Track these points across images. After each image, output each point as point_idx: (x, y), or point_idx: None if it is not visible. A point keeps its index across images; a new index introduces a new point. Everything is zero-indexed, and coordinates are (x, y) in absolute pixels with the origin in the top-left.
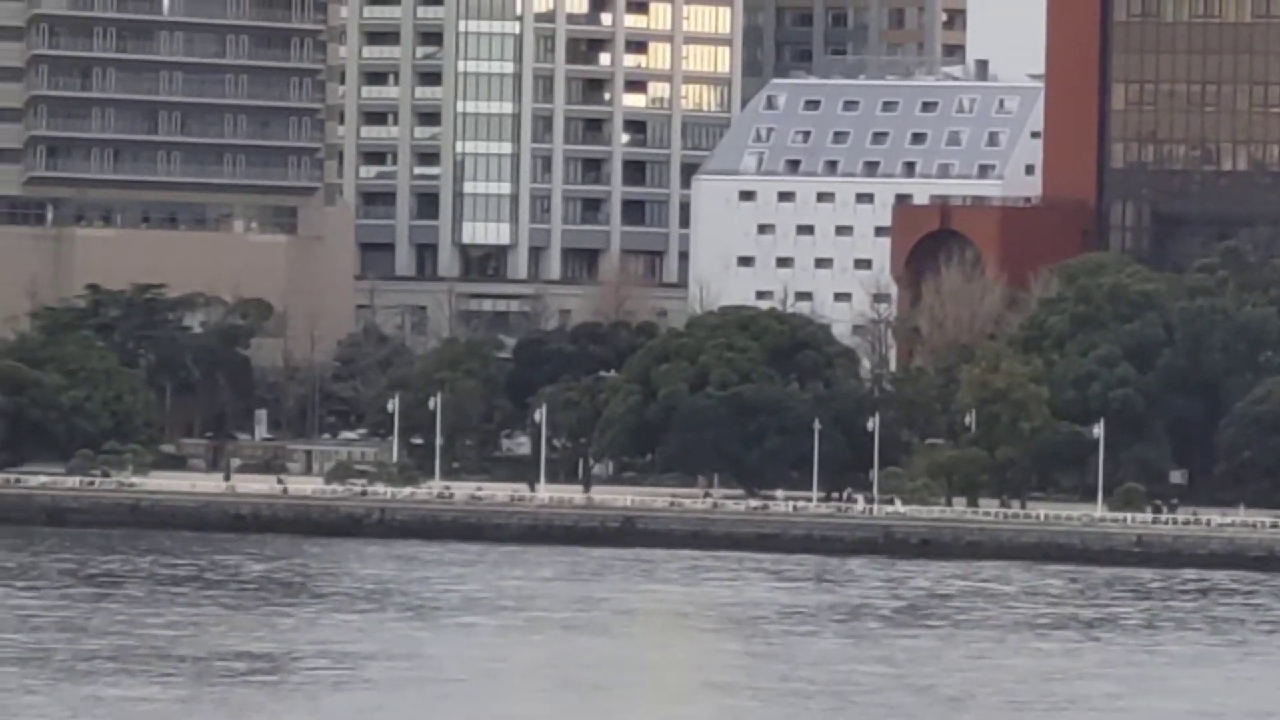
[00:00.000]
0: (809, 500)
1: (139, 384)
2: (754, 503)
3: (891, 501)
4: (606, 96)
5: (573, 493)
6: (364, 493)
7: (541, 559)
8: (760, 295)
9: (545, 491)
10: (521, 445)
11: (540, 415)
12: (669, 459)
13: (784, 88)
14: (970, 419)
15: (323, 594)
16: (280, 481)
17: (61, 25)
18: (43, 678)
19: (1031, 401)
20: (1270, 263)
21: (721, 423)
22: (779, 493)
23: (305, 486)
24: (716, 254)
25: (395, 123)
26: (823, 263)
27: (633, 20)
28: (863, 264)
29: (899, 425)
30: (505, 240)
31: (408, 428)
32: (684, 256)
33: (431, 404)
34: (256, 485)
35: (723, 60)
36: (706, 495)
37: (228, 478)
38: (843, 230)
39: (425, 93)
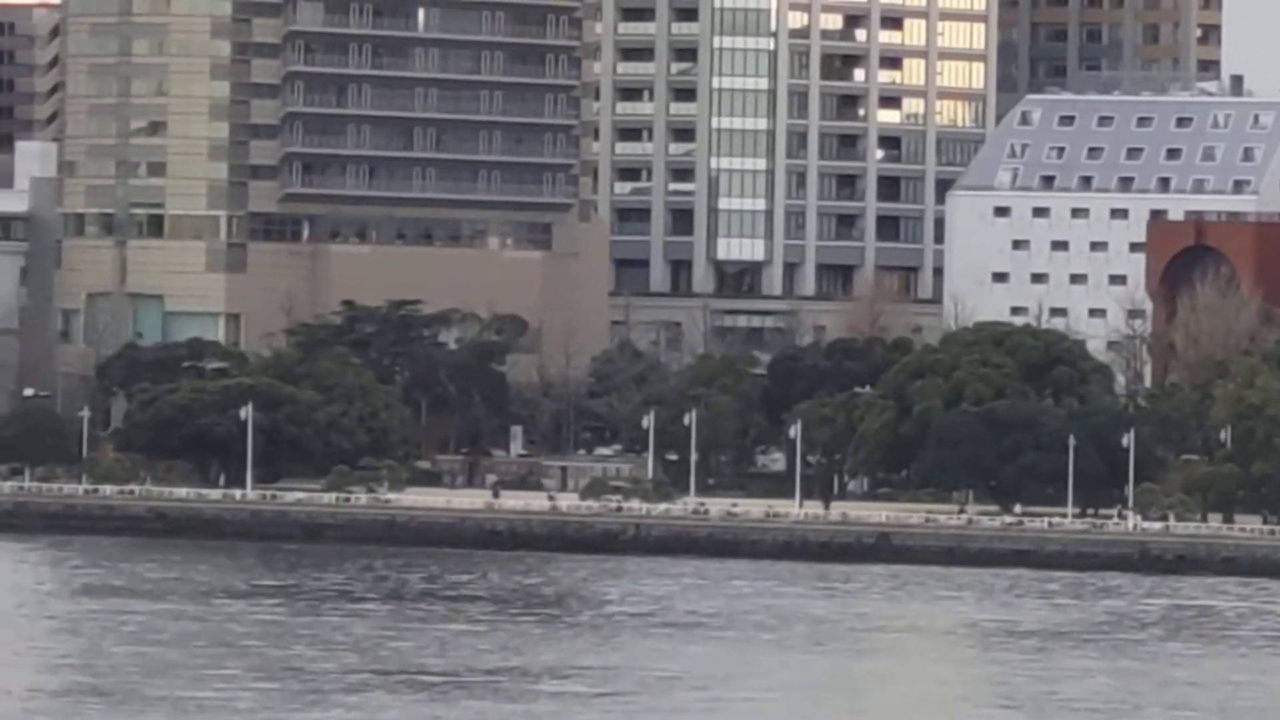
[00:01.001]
0: (1064, 516)
1: (394, 400)
2: (1009, 519)
3: (1165, 518)
4: (861, 112)
5: (828, 508)
6: (619, 509)
7: (795, 575)
8: (1015, 311)
9: (799, 508)
10: (776, 461)
11: (795, 431)
12: (923, 475)
13: (1038, 103)
14: (1225, 435)
15: (579, 610)
16: (551, 498)
17: (317, 42)
18: (298, 696)
19: None
20: None
21: (976, 439)
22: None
23: (560, 503)
24: (971, 270)
25: (650, 139)
26: (1077, 278)
27: (887, 36)
28: (1117, 280)
29: (1154, 441)
30: (760, 256)
31: (663, 444)
32: (938, 272)
33: (686, 420)
34: (519, 502)
35: (977, 76)
36: (961, 511)
37: (496, 495)
38: (1097, 246)
39: (680, 109)
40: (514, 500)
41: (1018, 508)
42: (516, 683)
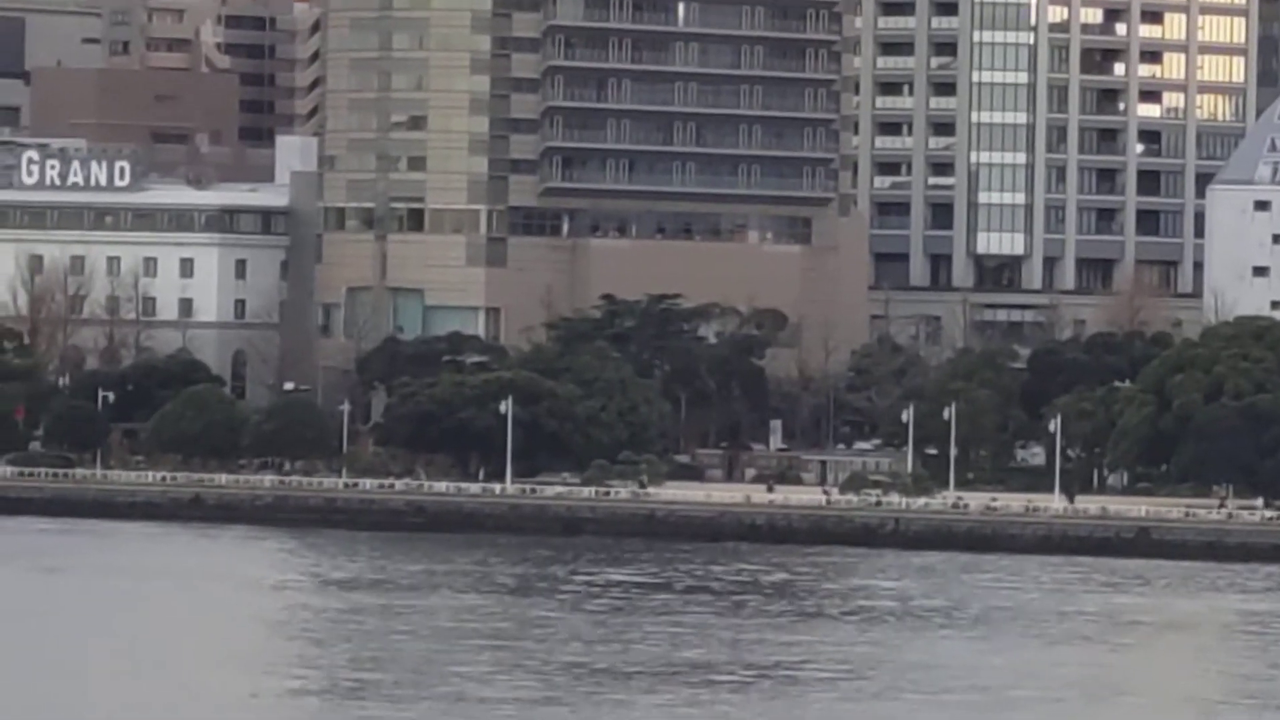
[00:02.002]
0: None
1: (654, 394)
2: (1270, 513)
3: None
4: (1121, 107)
5: (1088, 503)
6: (878, 503)
7: (1054, 569)
8: (1275, 305)
9: (1058, 502)
10: (1036, 455)
11: (1055, 425)
12: (1183, 469)
13: None
14: None
15: (838, 604)
16: (825, 492)
17: (577, 37)
18: (574, 690)
19: None
20: None
21: (1236, 433)
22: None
23: (818, 497)
24: (1231, 264)
25: (909, 133)
26: None
27: (1147, 30)
28: None
29: None
30: (1020, 250)
31: (922, 438)
32: (1198, 266)
33: (946, 414)
34: (792, 496)
35: (1238, 70)
36: (1221, 505)
37: (770, 489)
38: None
39: (940, 103)
40: (788, 494)
41: (1278, 502)
42: (779, 677)
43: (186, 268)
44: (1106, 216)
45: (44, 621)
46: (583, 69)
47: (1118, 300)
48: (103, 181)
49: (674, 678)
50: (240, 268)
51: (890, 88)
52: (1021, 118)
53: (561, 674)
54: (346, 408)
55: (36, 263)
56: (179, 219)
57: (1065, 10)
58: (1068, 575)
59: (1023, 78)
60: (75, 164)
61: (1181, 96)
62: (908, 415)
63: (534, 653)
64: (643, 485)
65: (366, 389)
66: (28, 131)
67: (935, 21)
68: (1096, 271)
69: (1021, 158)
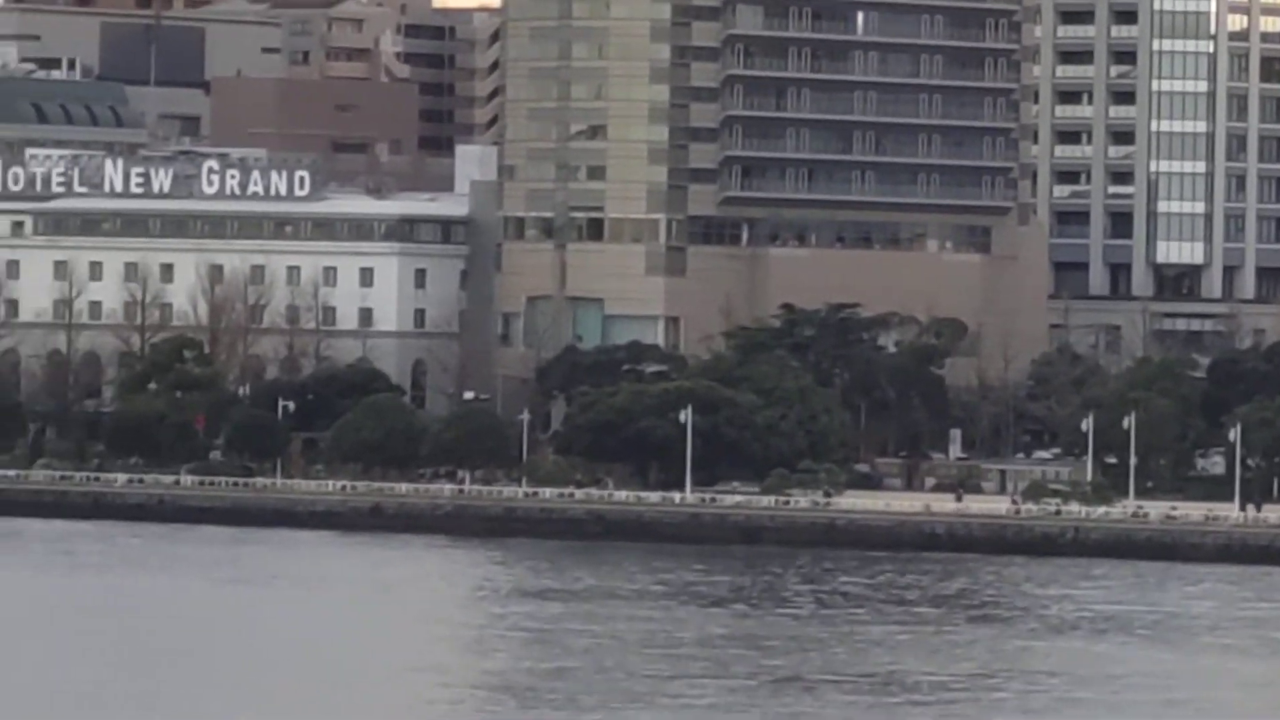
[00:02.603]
0: None
1: (833, 404)
2: None
3: None
4: None
5: (1269, 511)
6: (1058, 512)
7: (1235, 579)
8: None
9: (1238, 511)
10: (1216, 465)
11: (1234, 434)
12: None
13: None
14: None
15: (1021, 613)
16: (1014, 501)
17: (756, 46)
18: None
19: None
20: None
21: None
22: None
23: (1004, 506)
24: None
25: (1089, 142)
26: None
27: None
28: None
29: None
30: (1199, 260)
31: (1101, 447)
32: None
33: (1125, 423)
34: (980, 505)
35: None
36: None
37: (959, 498)
38: None
39: (1119, 112)
40: (972, 504)
41: None
42: (964, 688)
43: (366, 277)
44: None
45: (226, 631)
46: (762, 78)
47: None
48: (282, 191)
49: (846, 687)
50: (420, 277)
51: (1070, 96)
52: (1201, 126)
53: (749, 681)
54: (526, 417)
55: (217, 272)
56: (358, 228)
57: (1245, 19)
58: (1250, 584)
59: (1202, 86)
60: (255, 174)
61: None
62: (1087, 424)
63: (720, 661)
64: (828, 495)
65: (546, 398)
66: (208, 141)
67: (1115, 30)
68: (1276, 280)
69: (1201, 166)
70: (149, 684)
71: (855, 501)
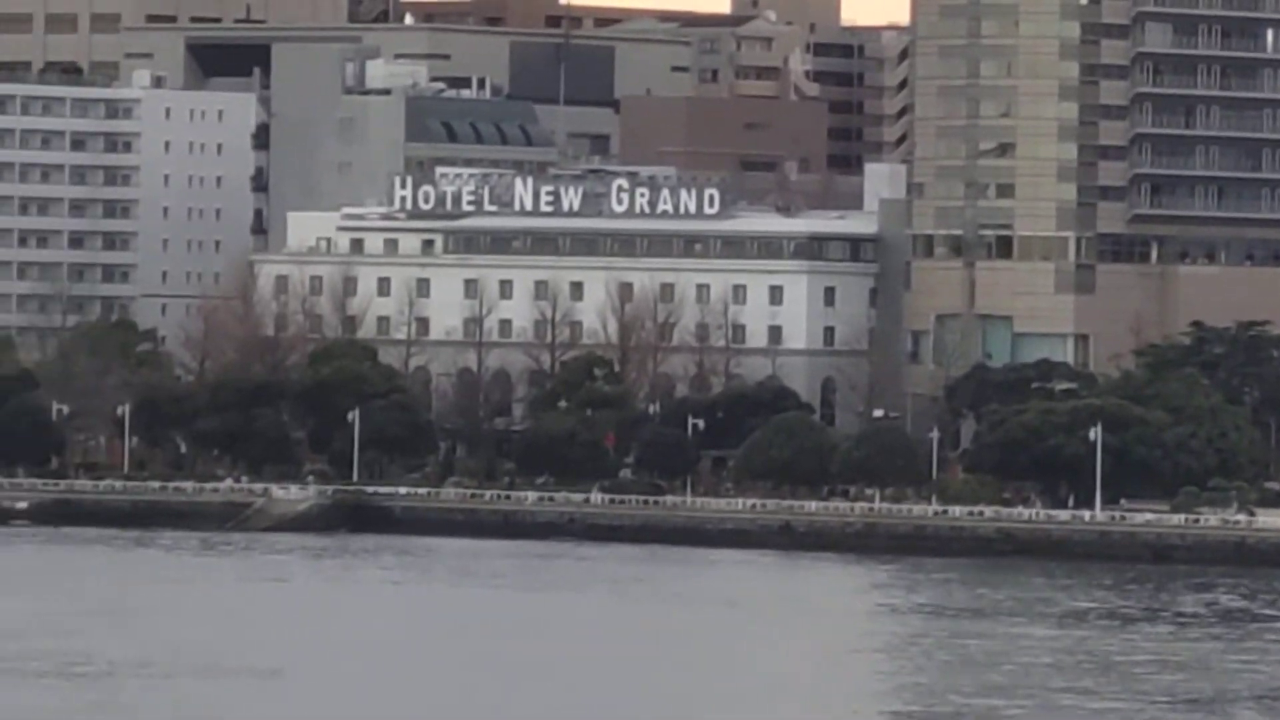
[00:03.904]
0: None
1: (1243, 421)
2: None
3: None
4: None
5: None
6: None
7: None
8: None
9: None
10: None
11: None
12: None
13: None
14: None
15: None
16: None
17: (1165, 63)
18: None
19: None
20: None
21: None
22: None
23: None
24: None
25: None
26: None
27: None
28: None
29: None
30: None
31: None
32: None
33: None
34: None
35: None
36: None
37: None
38: None
39: None
40: None
41: None
42: None
43: (775, 295)
44: None
45: (645, 648)
46: (1171, 95)
47: None
48: (691, 209)
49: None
50: (829, 295)
51: None
52: None
53: (1161, 699)
54: (935, 435)
55: (627, 290)
56: (768, 246)
57: None
58: None
59: None
60: (664, 192)
61: None
62: None
63: (1133, 679)
64: (1251, 513)
65: (955, 416)
66: (617, 160)
67: None
68: None
69: None
70: (592, 699)
71: (1268, 519)
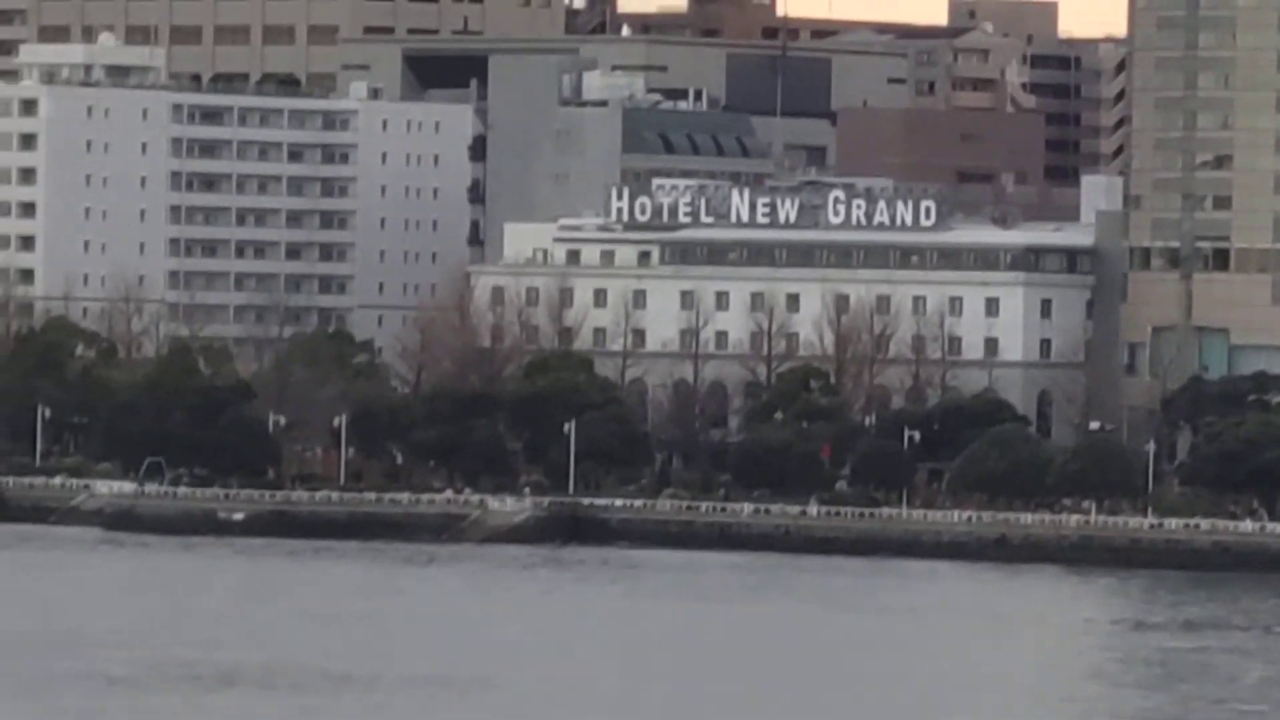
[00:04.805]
0: None
1: None
2: None
3: None
4: None
5: None
6: None
7: None
8: None
9: None
10: None
11: None
12: None
13: None
14: None
15: None
16: None
17: None
18: None
19: None
20: None
21: None
22: None
23: None
24: None
25: None
26: None
27: None
28: None
29: None
30: None
31: None
32: None
33: None
34: None
35: None
36: None
37: None
38: None
39: None
40: None
41: None
42: None
43: (992, 307)
44: None
45: (862, 661)
46: None
47: None
48: (908, 221)
49: None
50: (1045, 307)
51: None
52: None
53: None
54: (1151, 447)
55: (843, 302)
56: (984, 258)
57: None
58: None
59: None
60: (881, 204)
61: None
62: None
63: None
64: None
65: (1172, 429)
66: (833, 171)
67: None
68: None
69: None
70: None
71: None
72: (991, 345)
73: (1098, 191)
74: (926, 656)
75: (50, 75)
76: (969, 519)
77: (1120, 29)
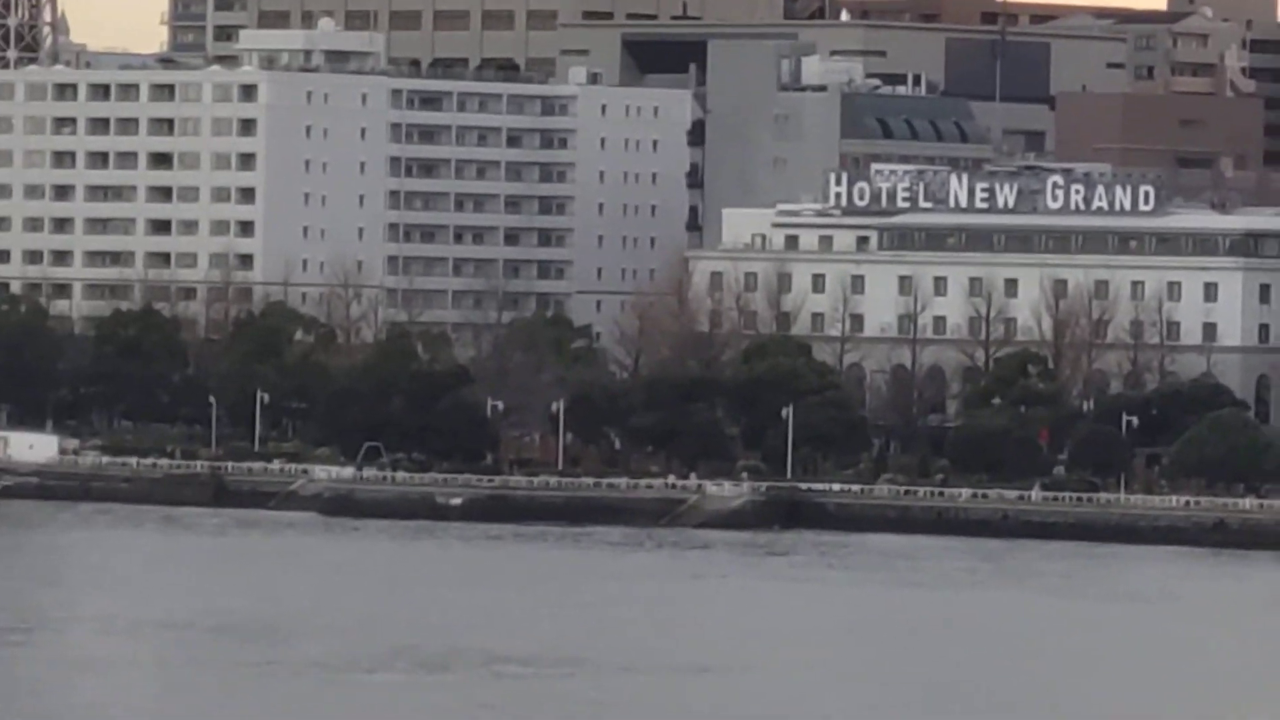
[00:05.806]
0: None
1: None
2: None
3: None
4: None
5: None
6: None
7: None
8: None
9: None
10: None
11: None
12: None
13: None
14: None
15: None
16: None
17: None
18: None
19: None
20: None
21: None
22: None
23: None
24: None
25: None
26: None
27: None
28: None
29: None
30: None
31: None
32: None
33: None
34: None
35: None
36: None
37: None
38: None
39: None
40: None
41: None
42: None
43: (1210, 292)
44: None
45: (1078, 648)
46: None
47: None
48: (1126, 206)
49: None
50: (1264, 292)
51: None
52: None
53: None
54: None
55: (1061, 288)
56: (1202, 243)
57: None
58: None
59: None
60: (1099, 189)
61: None
62: None
63: None
64: None
65: None
66: (1052, 156)
67: None
68: None
69: None
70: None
71: None
72: (1210, 330)
73: None
74: (1181, 649)
75: (270, 61)
76: (1187, 504)
77: None
